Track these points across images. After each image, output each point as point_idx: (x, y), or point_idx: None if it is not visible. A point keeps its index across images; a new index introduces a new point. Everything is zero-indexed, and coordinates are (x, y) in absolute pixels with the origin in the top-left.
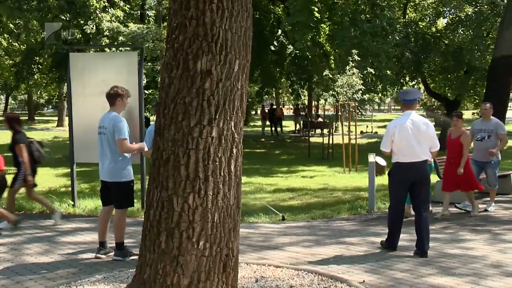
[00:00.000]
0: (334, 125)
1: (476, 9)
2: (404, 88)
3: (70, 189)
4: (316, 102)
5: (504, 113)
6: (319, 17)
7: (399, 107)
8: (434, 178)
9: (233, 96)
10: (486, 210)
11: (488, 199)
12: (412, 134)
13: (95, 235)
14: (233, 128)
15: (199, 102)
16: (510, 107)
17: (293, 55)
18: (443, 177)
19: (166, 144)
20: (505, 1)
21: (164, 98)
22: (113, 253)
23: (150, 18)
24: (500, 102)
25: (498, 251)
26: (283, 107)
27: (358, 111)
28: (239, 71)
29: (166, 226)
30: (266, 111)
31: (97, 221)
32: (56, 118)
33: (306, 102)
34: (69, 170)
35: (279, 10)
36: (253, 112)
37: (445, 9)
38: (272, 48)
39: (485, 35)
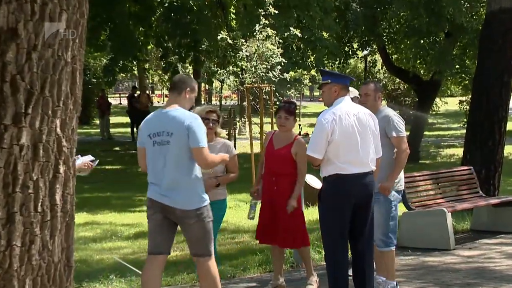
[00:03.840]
0: (237, 123)
1: None
2: (350, 61)
3: None
4: (206, 85)
5: (506, 101)
6: None
7: None
8: (400, 208)
9: (59, 76)
10: None
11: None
12: (357, 131)
13: None
14: (58, 129)
15: None
16: None
17: (166, 4)
18: (259, 217)
19: None
20: None
21: None
22: None
23: None
24: (497, 82)
25: None
26: (152, 93)
27: (276, 99)
28: (68, 33)
29: None
30: (121, 100)
31: None
32: None
33: None
34: None
35: None
36: None
37: None
38: None
39: None
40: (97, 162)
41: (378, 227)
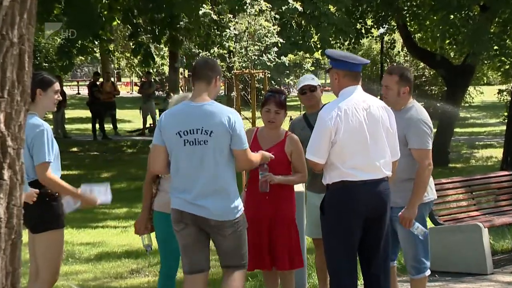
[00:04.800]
0: None
1: None
2: (363, 42)
3: None
4: (186, 71)
5: None
6: None
7: None
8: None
9: (2, 59)
10: None
11: None
12: (367, 129)
13: None
14: (2, 125)
15: None
16: None
17: None
18: (249, 238)
19: None
20: None
21: None
22: None
23: None
24: None
25: None
26: (118, 80)
27: (271, 88)
28: (15, 6)
29: None
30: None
31: None
32: None
33: (166, 70)
34: None
35: None
36: None
37: None
38: None
39: None
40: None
41: (407, 252)
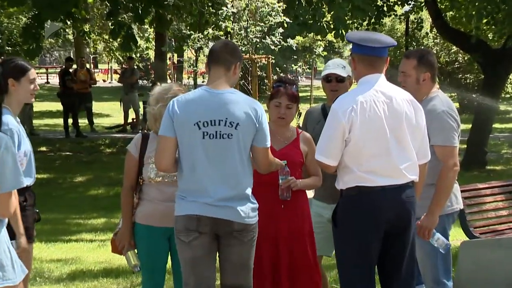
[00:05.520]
0: None
1: None
2: (385, 21)
3: None
4: (175, 56)
5: None
6: None
7: None
8: (458, 234)
9: None
10: None
11: None
12: (388, 125)
13: None
14: None
15: None
16: None
17: None
18: (264, 254)
19: None
20: None
21: None
22: None
23: None
24: None
25: None
26: (95, 67)
27: (276, 76)
28: None
29: None
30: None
31: None
32: None
33: (152, 55)
34: None
35: None
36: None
37: None
38: None
39: None
40: None
41: (425, 271)
